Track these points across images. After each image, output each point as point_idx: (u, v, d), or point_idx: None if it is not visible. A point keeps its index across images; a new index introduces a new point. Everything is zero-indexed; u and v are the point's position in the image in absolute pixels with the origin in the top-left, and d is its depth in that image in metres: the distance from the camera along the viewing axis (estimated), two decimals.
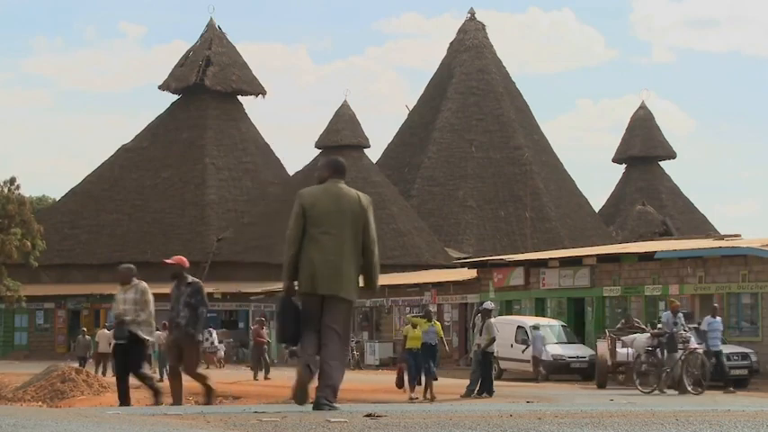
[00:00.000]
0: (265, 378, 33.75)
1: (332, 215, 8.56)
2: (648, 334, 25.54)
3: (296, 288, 8.68)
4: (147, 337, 13.67)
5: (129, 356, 13.68)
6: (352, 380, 31.23)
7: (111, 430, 6.23)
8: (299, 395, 8.65)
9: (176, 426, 6.73)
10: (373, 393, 24.41)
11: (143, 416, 7.98)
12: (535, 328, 33.19)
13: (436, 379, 23.53)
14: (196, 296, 13.34)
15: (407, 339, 23.85)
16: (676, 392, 23.03)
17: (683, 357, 23.30)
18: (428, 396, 22.75)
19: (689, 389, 22.73)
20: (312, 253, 8.52)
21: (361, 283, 8.84)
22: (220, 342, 47.08)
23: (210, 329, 45.53)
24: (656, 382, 23.63)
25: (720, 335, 25.82)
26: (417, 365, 23.41)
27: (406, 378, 23.92)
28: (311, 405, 8.46)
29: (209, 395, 13.53)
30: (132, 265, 14.17)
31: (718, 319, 25.78)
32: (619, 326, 30.42)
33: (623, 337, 28.24)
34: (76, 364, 35.81)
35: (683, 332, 23.88)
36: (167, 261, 14.01)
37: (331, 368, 8.48)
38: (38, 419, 7.03)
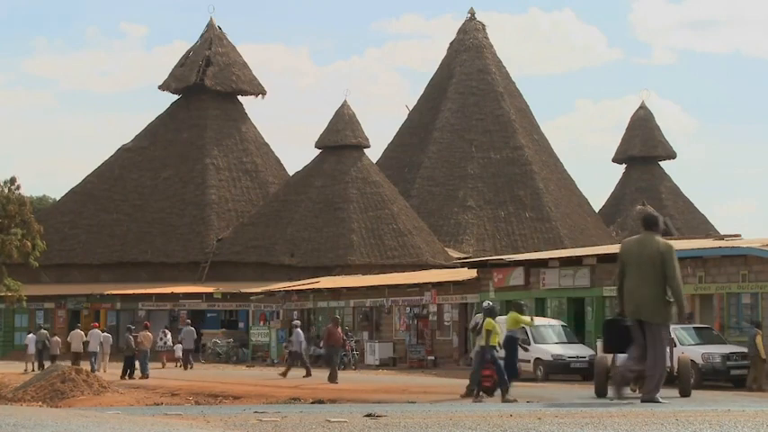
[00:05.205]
0: (334, 381, 29.19)
1: (638, 259, 11.83)
2: None
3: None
4: None
5: None
6: (352, 380, 31.20)
7: (111, 430, 6.23)
8: (614, 390, 12.31)
9: (176, 426, 6.73)
10: (373, 393, 24.36)
11: (143, 416, 7.98)
12: (295, 325, 33.40)
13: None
14: None
15: (492, 335, 20.33)
16: None
17: None
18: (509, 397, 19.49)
19: None
20: (626, 287, 11.90)
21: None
22: (200, 344, 46.14)
23: (165, 330, 45.26)
24: None
25: None
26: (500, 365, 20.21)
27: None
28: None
29: None
30: None
31: None
32: None
33: None
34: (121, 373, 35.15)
35: None
36: None
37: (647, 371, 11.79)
38: (38, 419, 7.03)
